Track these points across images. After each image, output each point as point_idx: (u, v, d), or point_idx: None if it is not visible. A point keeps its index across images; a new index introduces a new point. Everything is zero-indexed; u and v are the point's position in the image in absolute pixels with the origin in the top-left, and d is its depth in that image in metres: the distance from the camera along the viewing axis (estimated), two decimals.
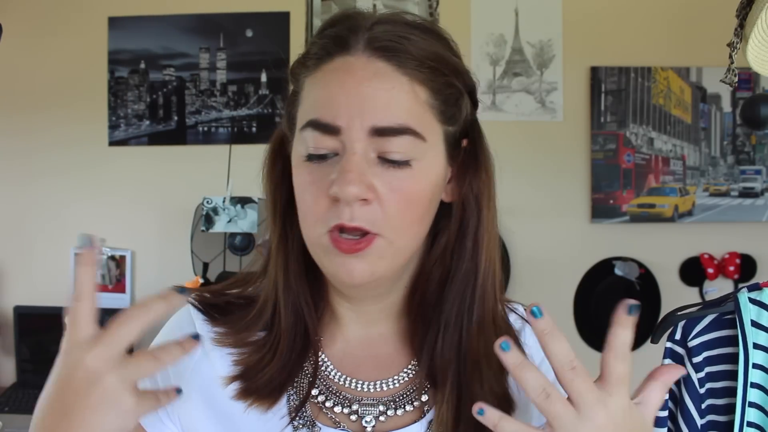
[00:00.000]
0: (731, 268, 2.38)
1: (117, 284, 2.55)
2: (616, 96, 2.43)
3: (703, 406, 0.89)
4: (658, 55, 2.42)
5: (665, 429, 0.92)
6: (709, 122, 2.44)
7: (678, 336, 0.94)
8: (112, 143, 2.57)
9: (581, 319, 2.44)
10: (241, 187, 2.37)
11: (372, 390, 0.71)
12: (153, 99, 2.57)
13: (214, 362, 0.70)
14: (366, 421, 0.69)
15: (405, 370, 0.73)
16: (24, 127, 2.60)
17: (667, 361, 0.94)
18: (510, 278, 2.39)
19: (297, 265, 0.72)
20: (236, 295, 0.75)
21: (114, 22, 2.56)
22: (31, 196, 2.60)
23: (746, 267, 2.39)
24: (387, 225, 0.64)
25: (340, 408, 0.70)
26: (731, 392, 0.88)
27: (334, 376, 0.72)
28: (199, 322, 0.72)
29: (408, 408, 0.71)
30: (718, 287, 2.39)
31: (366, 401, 0.70)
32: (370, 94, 0.63)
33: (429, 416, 0.70)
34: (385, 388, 0.72)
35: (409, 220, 0.65)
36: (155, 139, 2.56)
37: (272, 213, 0.73)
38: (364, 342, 0.74)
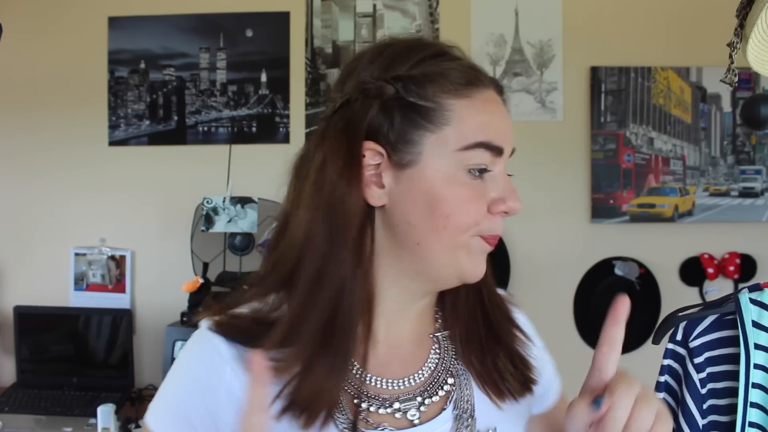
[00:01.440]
0: (731, 268, 2.38)
1: (117, 284, 2.55)
2: (616, 96, 2.43)
3: (705, 406, 0.89)
4: (658, 55, 2.42)
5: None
6: (709, 122, 2.44)
7: (679, 337, 0.94)
8: (112, 143, 2.57)
9: (581, 319, 2.44)
10: (241, 187, 2.37)
11: (405, 386, 0.75)
12: (153, 99, 2.57)
13: (241, 378, 0.69)
14: (411, 415, 0.73)
15: (428, 362, 0.78)
16: (24, 127, 2.60)
17: (668, 361, 0.94)
18: (510, 278, 2.39)
19: (368, 270, 0.72)
20: (254, 318, 0.73)
21: (114, 22, 2.56)
22: (32, 196, 2.60)
23: (746, 267, 2.39)
24: None
25: (384, 410, 0.73)
26: (733, 392, 0.88)
27: (368, 381, 0.74)
28: (224, 348, 0.71)
29: (441, 393, 0.76)
30: (718, 287, 2.39)
31: (404, 397, 0.74)
32: (509, 123, 0.77)
33: (454, 396, 0.76)
34: (414, 383, 0.76)
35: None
36: (155, 139, 2.56)
37: (347, 214, 0.70)
38: (385, 342, 0.77)
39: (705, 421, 0.89)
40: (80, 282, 2.57)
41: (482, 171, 0.73)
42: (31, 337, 2.43)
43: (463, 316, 0.80)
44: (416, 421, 0.73)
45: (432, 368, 0.77)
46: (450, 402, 0.76)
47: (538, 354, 0.85)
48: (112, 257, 2.56)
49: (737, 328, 0.90)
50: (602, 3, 2.45)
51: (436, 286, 0.77)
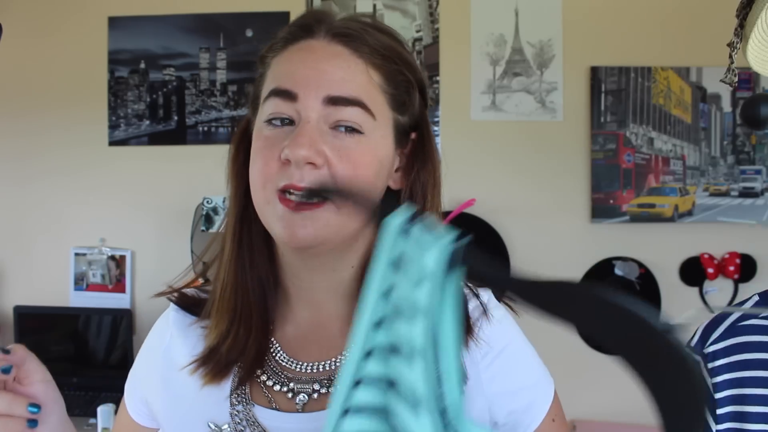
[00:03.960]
0: (731, 268, 2.38)
1: (117, 284, 2.55)
2: (616, 96, 2.43)
3: (722, 411, 0.88)
4: (658, 55, 2.42)
5: None
6: (709, 122, 2.44)
7: (694, 342, 0.94)
8: (112, 143, 2.57)
9: None
10: None
11: (311, 370, 0.75)
12: (153, 99, 2.57)
13: (177, 348, 0.79)
14: (299, 399, 0.74)
15: (345, 351, 0.76)
16: (24, 127, 2.60)
17: None
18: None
19: (254, 247, 0.77)
20: (199, 290, 0.85)
21: (114, 22, 2.56)
22: (31, 196, 2.60)
23: (746, 267, 2.39)
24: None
25: (279, 387, 0.75)
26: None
27: (280, 358, 0.76)
28: (172, 314, 0.82)
29: None
30: (718, 287, 2.39)
31: (302, 380, 0.75)
32: (328, 69, 0.70)
33: None
34: (322, 369, 0.75)
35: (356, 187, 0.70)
36: (155, 139, 2.56)
37: (233, 197, 0.78)
38: (312, 324, 0.78)
39: (721, 427, 0.87)
40: (80, 282, 2.57)
41: (281, 121, 0.70)
42: (31, 337, 2.43)
43: None
44: (299, 407, 0.73)
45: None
46: None
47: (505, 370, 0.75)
48: (112, 257, 2.56)
49: (759, 333, 0.88)
50: (602, 3, 2.45)
51: (289, 253, 0.75)
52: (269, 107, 0.71)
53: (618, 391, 2.56)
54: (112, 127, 2.57)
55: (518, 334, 0.80)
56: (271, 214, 0.70)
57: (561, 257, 2.44)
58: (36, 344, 2.46)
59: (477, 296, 0.77)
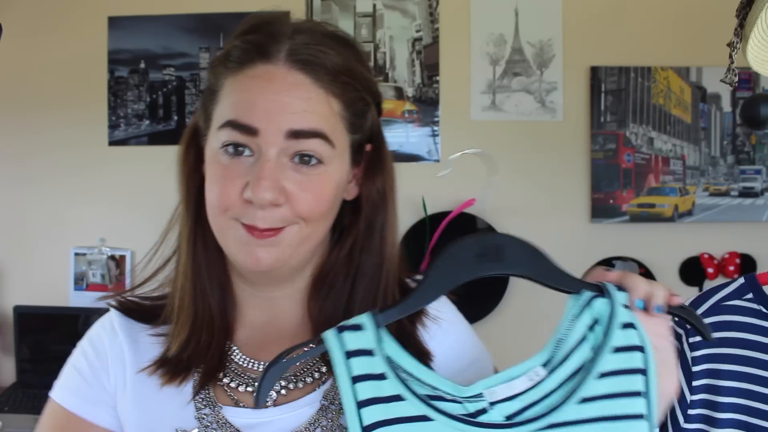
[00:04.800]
0: (731, 268, 2.38)
1: (117, 284, 2.55)
2: (616, 96, 2.43)
3: (697, 383, 0.92)
4: (658, 55, 2.42)
5: None
6: (709, 122, 2.44)
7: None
8: (112, 143, 2.57)
9: None
10: None
11: None
12: (153, 99, 2.57)
13: (130, 355, 0.78)
14: (268, 396, 0.76)
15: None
16: (23, 127, 2.60)
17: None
18: (509, 278, 2.39)
19: (209, 253, 0.77)
20: (146, 298, 0.83)
21: (114, 22, 2.56)
22: (31, 196, 2.60)
23: (746, 267, 2.39)
24: (297, 218, 0.71)
25: (243, 387, 0.76)
26: (742, 376, 0.91)
27: (240, 360, 0.78)
28: (116, 320, 0.80)
29: (308, 380, 0.77)
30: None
31: None
32: (289, 102, 0.68)
33: (325, 386, 0.77)
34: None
35: (316, 215, 0.72)
36: (155, 138, 2.56)
37: (185, 202, 0.79)
38: (268, 326, 0.80)
39: (695, 398, 0.92)
40: (80, 282, 2.57)
41: (236, 149, 0.69)
42: (31, 337, 2.43)
43: (333, 308, 0.78)
44: (269, 403, 0.75)
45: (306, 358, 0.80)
46: (319, 390, 0.76)
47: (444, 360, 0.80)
48: (112, 257, 2.56)
49: (740, 314, 0.93)
50: (602, 3, 2.45)
51: (248, 274, 0.77)
52: (225, 135, 0.70)
53: None
54: (112, 126, 2.57)
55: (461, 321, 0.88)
56: (231, 239, 0.72)
57: (561, 257, 2.42)
58: (36, 344, 2.47)
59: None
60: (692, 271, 2.41)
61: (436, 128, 2.46)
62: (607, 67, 2.42)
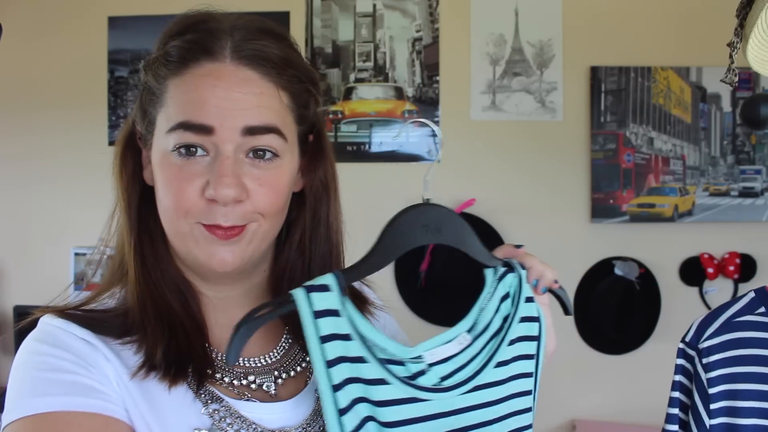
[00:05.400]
0: (731, 268, 2.38)
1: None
2: (616, 96, 2.43)
3: (715, 406, 0.89)
4: (658, 55, 2.42)
5: (676, 425, 0.93)
6: (709, 122, 2.44)
7: (689, 338, 0.95)
8: (112, 143, 2.57)
9: (581, 319, 2.44)
10: None
11: (259, 364, 0.77)
12: None
13: (118, 365, 0.69)
14: (267, 386, 0.76)
15: (281, 342, 0.80)
16: (23, 127, 2.60)
17: (680, 361, 0.94)
18: None
19: (160, 259, 0.76)
20: (102, 310, 0.75)
21: (114, 22, 2.56)
22: (31, 196, 2.60)
23: (746, 267, 2.39)
24: (257, 214, 0.71)
25: (239, 381, 0.75)
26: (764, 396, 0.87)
27: (222, 360, 0.76)
28: (84, 333, 0.70)
29: (298, 369, 0.79)
30: (718, 287, 2.39)
31: (259, 371, 0.77)
32: (241, 98, 0.68)
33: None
34: (270, 360, 0.78)
35: (275, 209, 0.72)
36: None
37: (127, 210, 0.77)
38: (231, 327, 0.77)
39: (715, 422, 0.89)
40: (80, 282, 2.57)
41: (189, 150, 0.68)
42: None
43: None
44: (272, 392, 0.76)
45: (285, 349, 0.80)
46: (311, 380, 0.78)
47: None
48: (112, 257, 2.56)
49: (748, 330, 0.90)
50: (602, 3, 2.45)
51: (206, 274, 0.76)
52: (178, 137, 0.68)
53: (618, 391, 2.57)
54: (112, 126, 2.57)
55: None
56: (193, 242, 0.71)
57: (561, 257, 2.43)
58: None
59: (368, 285, 0.92)
60: (692, 271, 2.41)
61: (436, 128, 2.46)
62: (607, 67, 2.42)
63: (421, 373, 0.70)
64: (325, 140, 0.81)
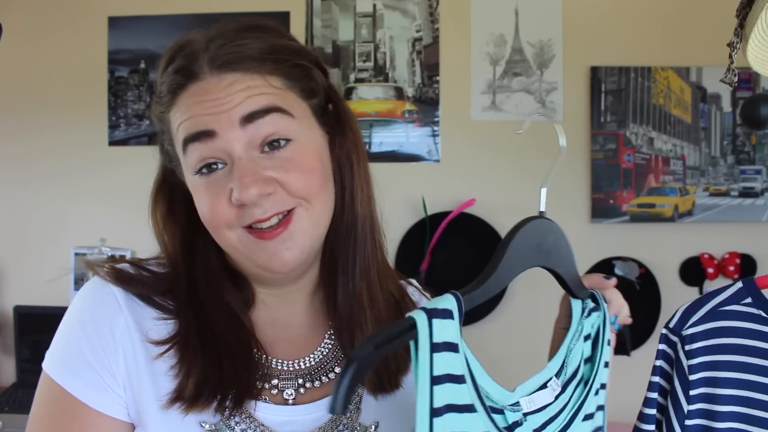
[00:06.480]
0: (731, 268, 2.38)
1: None
2: (616, 96, 2.43)
3: (694, 393, 0.90)
4: (658, 55, 2.42)
5: (654, 409, 0.93)
6: (709, 122, 2.44)
7: (673, 324, 0.95)
8: (112, 143, 2.57)
9: None
10: None
11: (291, 368, 0.76)
12: (153, 99, 2.57)
13: (138, 338, 0.73)
14: (287, 394, 0.75)
15: (320, 347, 0.79)
16: (23, 127, 2.59)
17: (662, 346, 0.95)
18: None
19: (213, 280, 0.76)
20: (146, 268, 0.79)
21: (114, 22, 2.56)
22: (31, 195, 2.60)
23: (746, 267, 2.38)
24: (297, 199, 0.70)
25: (260, 383, 0.74)
26: (741, 384, 0.88)
27: (256, 358, 0.76)
28: (119, 295, 0.74)
29: (324, 380, 0.77)
30: (717, 287, 2.39)
31: (284, 376, 0.75)
32: (230, 99, 0.69)
33: None
34: (302, 366, 0.77)
35: (314, 189, 0.71)
36: (155, 139, 2.56)
37: (172, 248, 0.77)
38: (283, 324, 0.79)
39: (693, 407, 0.89)
40: (80, 282, 2.57)
41: (210, 168, 0.70)
42: (31, 337, 2.43)
43: (345, 310, 0.78)
44: (290, 401, 0.74)
45: (323, 354, 0.78)
46: None
47: None
48: (112, 257, 2.55)
49: (733, 320, 0.90)
50: (602, 3, 2.45)
51: (262, 276, 0.76)
52: (192, 157, 0.70)
53: (618, 390, 2.56)
54: (112, 126, 2.57)
55: None
56: (246, 248, 0.71)
57: None
58: (36, 344, 2.47)
59: (410, 284, 0.90)
60: (692, 271, 2.41)
61: (436, 128, 2.46)
62: (607, 67, 2.42)
63: (518, 424, 0.63)
64: (341, 107, 0.79)
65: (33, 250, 2.59)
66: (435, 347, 0.54)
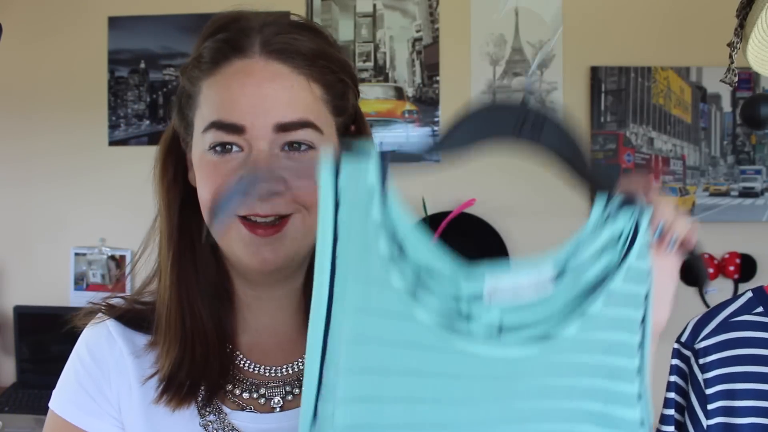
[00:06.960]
0: (731, 268, 2.37)
1: (117, 284, 2.55)
2: (616, 96, 2.43)
3: (712, 407, 0.88)
4: (658, 55, 2.42)
5: (672, 426, 0.92)
6: (709, 122, 2.45)
7: (684, 338, 0.94)
8: (112, 143, 2.57)
9: None
10: None
11: (278, 374, 0.76)
12: (153, 99, 2.57)
13: (132, 368, 0.75)
14: (275, 402, 0.74)
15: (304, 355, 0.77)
16: (23, 127, 2.60)
17: (675, 361, 0.94)
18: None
19: (200, 262, 0.76)
20: (139, 302, 0.80)
21: (114, 22, 2.56)
22: (31, 196, 2.60)
23: (746, 267, 2.38)
24: (299, 205, 0.69)
25: (248, 394, 0.74)
26: (761, 395, 0.87)
27: (243, 365, 0.76)
28: (113, 328, 0.77)
29: None
30: (718, 287, 2.39)
31: (272, 384, 0.75)
32: (272, 94, 0.67)
33: None
34: (290, 371, 0.76)
35: (317, 200, 0.69)
36: (155, 138, 2.56)
37: (167, 214, 0.76)
38: (271, 329, 0.78)
39: (712, 422, 0.88)
40: (80, 282, 2.57)
41: (224, 148, 0.69)
42: (31, 337, 2.43)
43: None
44: (278, 409, 0.74)
45: None
46: None
47: None
48: (112, 257, 2.56)
49: (744, 330, 0.89)
50: (602, 3, 2.45)
51: (249, 275, 0.75)
52: (212, 137, 0.69)
53: None
54: (112, 127, 2.57)
55: None
56: (234, 240, 0.70)
57: None
58: (36, 344, 2.47)
59: None
60: (692, 271, 2.41)
61: (436, 128, 2.46)
62: (607, 67, 2.42)
63: (470, 316, 0.51)
64: (364, 131, 0.79)
65: (33, 250, 2.59)
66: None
